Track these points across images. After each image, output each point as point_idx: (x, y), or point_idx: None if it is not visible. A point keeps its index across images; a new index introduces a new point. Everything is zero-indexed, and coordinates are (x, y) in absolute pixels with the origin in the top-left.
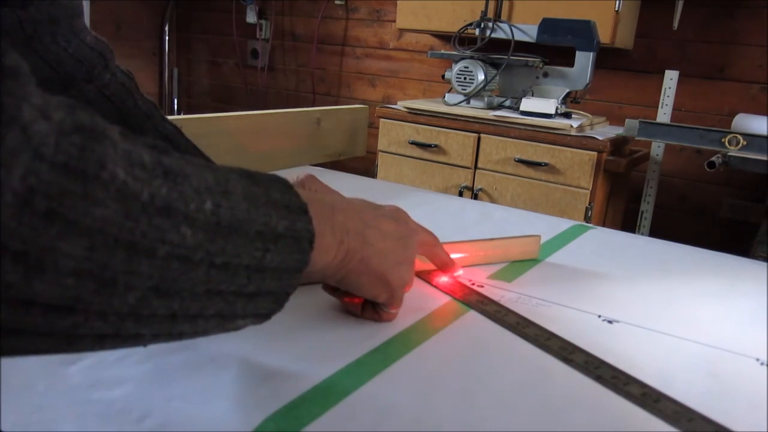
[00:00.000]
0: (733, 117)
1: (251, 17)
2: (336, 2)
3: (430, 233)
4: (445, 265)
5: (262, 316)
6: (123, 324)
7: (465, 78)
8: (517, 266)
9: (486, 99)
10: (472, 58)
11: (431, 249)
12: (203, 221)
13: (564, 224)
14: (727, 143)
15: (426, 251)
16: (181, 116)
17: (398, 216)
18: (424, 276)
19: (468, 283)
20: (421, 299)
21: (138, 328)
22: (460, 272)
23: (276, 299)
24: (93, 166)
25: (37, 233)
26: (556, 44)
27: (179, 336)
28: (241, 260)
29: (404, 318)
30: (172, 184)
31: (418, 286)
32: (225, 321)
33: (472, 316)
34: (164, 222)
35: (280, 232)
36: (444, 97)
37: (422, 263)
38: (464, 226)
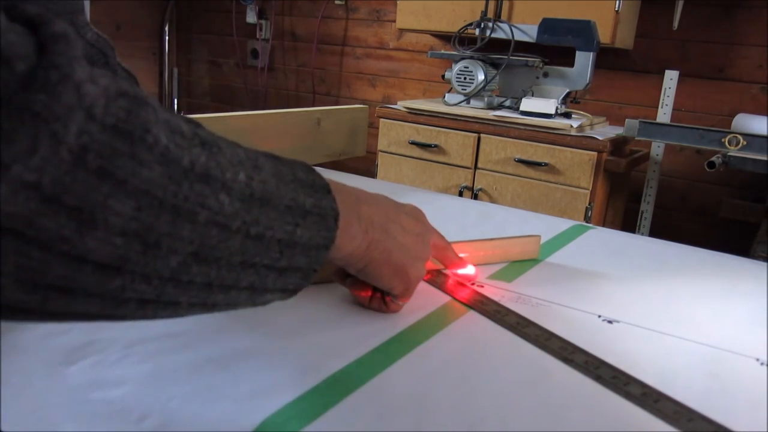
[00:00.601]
0: (733, 117)
1: (251, 17)
2: (336, 2)
3: (442, 236)
4: (456, 266)
5: (289, 292)
6: (164, 289)
7: (465, 78)
8: (517, 266)
9: (486, 99)
10: (472, 58)
11: (442, 252)
12: (239, 191)
13: (564, 224)
14: (727, 143)
15: (437, 254)
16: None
17: (417, 214)
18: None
19: (468, 283)
20: (421, 299)
21: (177, 295)
22: (472, 270)
23: (304, 275)
24: (139, 129)
25: (90, 190)
26: (556, 44)
27: (213, 307)
28: (275, 233)
29: (405, 318)
30: (209, 154)
31: (419, 286)
32: (255, 294)
33: (472, 316)
34: (204, 188)
35: (308, 209)
36: (444, 97)
37: (432, 264)
38: (464, 226)
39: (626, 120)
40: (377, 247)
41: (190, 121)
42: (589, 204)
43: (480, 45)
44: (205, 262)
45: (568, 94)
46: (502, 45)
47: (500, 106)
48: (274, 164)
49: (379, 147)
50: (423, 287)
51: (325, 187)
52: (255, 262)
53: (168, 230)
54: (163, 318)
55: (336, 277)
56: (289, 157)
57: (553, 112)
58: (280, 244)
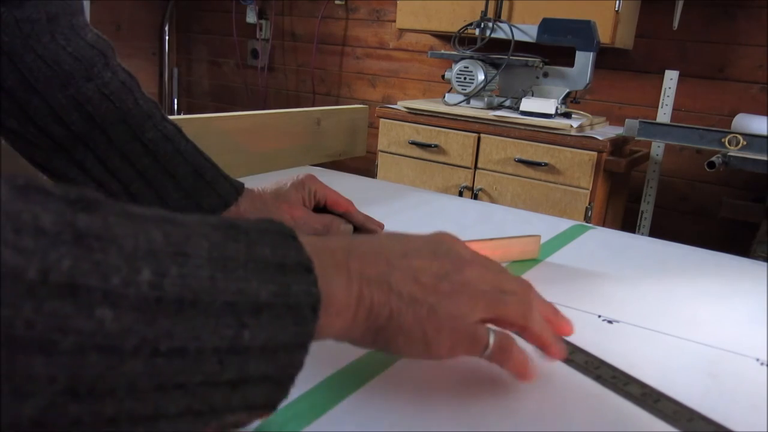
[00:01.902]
0: (733, 117)
1: (251, 17)
2: (336, 2)
3: (527, 286)
4: (547, 347)
5: (261, 407)
6: None
7: (465, 78)
8: (517, 266)
9: (486, 99)
10: (472, 58)
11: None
12: (135, 297)
13: (564, 224)
14: (727, 143)
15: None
16: (181, 116)
17: (436, 247)
18: None
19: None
20: None
21: None
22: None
23: (277, 384)
24: None
25: None
26: (556, 44)
27: None
28: (203, 343)
29: None
30: (83, 253)
31: None
32: (205, 418)
33: None
34: (64, 305)
35: (264, 301)
36: (444, 97)
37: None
38: (464, 226)
39: (626, 120)
40: (381, 312)
41: (82, 201)
42: (589, 204)
43: (480, 45)
44: (90, 396)
45: (568, 94)
46: (502, 45)
47: (500, 106)
48: (219, 242)
49: (379, 147)
50: None
51: (302, 264)
52: (181, 381)
53: (5, 372)
54: None
55: None
56: (262, 223)
57: (553, 112)
58: (217, 354)
